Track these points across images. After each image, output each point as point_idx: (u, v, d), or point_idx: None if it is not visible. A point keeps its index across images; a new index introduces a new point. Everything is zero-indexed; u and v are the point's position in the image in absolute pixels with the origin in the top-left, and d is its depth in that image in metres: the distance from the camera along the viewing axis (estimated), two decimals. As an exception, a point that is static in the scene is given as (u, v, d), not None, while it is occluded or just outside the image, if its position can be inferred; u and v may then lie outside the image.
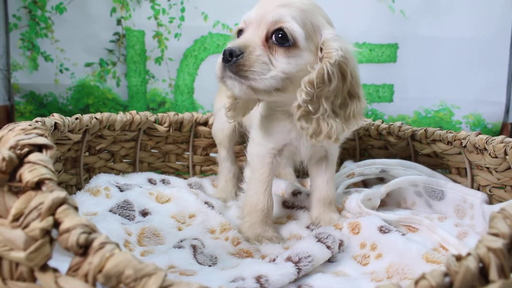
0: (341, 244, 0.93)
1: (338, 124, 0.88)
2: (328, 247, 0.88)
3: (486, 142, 1.08)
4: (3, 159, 0.53)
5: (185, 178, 1.43)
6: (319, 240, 0.88)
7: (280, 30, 0.86)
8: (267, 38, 0.88)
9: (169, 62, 1.87)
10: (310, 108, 0.86)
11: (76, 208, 0.50)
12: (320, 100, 0.87)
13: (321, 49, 0.88)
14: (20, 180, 0.53)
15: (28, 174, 0.52)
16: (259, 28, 0.88)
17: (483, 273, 0.46)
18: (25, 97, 1.82)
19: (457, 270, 0.45)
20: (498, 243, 0.47)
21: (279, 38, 0.86)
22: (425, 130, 1.30)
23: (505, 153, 1.02)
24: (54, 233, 0.48)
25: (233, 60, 0.84)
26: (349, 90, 0.90)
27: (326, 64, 0.85)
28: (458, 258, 0.47)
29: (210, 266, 0.86)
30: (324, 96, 0.86)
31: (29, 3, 1.77)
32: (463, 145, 1.18)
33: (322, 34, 0.89)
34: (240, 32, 0.93)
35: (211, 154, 1.53)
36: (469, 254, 0.47)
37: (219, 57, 0.87)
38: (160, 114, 1.41)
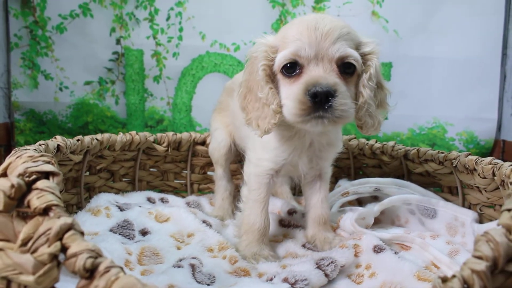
0: (341, 267, 0.94)
1: (380, 116, 0.96)
2: (326, 275, 0.89)
3: (476, 163, 1.11)
4: (12, 185, 0.56)
5: (183, 196, 1.45)
6: (318, 266, 0.90)
7: (348, 63, 0.90)
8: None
9: (167, 80, 1.90)
10: (372, 103, 0.93)
11: (82, 233, 0.52)
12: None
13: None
14: (28, 206, 0.56)
15: (36, 200, 0.55)
16: (323, 63, 0.88)
17: (467, 294, 0.49)
18: (25, 115, 1.85)
19: (442, 292, 0.48)
20: (482, 265, 0.50)
21: (347, 69, 0.91)
22: (417, 150, 1.33)
23: (493, 174, 1.05)
24: (61, 256, 0.51)
25: (330, 101, 0.83)
26: (378, 81, 0.97)
27: (374, 61, 0.94)
28: (444, 279, 0.50)
29: (208, 285, 0.88)
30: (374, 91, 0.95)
31: (30, 23, 1.81)
32: (454, 165, 1.20)
33: (362, 44, 0.96)
34: (291, 66, 0.90)
35: (209, 173, 1.55)
36: (454, 276, 0.50)
37: (301, 97, 0.84)
38: (159, 134, 1.43)
